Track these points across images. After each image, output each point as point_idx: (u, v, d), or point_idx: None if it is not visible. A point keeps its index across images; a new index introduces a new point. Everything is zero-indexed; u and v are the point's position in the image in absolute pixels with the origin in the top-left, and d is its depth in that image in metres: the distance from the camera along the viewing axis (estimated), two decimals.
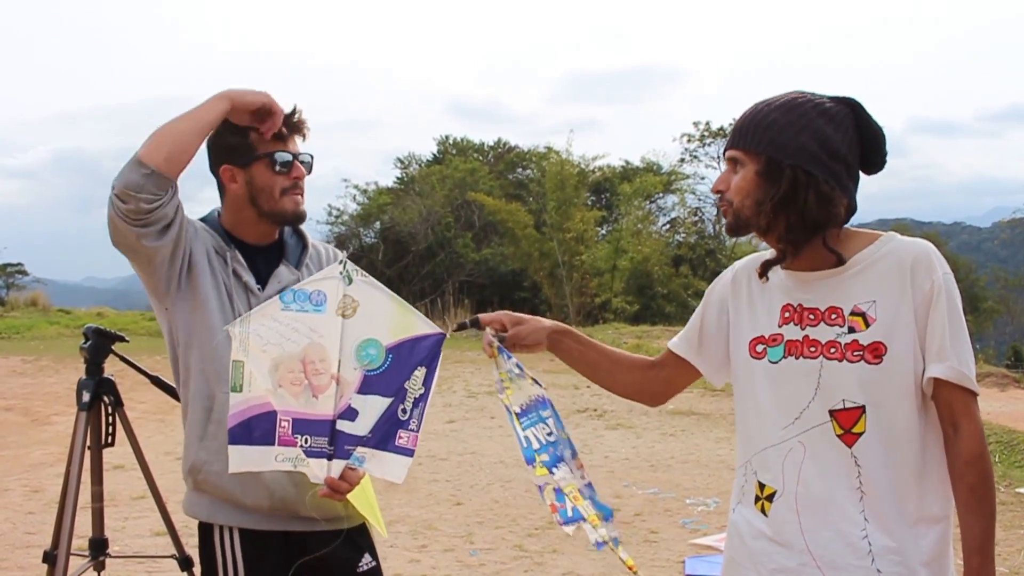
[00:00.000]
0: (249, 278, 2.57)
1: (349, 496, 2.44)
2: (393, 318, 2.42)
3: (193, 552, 3.91)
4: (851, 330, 2.05)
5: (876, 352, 2.02)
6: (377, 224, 39.04)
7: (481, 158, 43.06)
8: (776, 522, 2.13)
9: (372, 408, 2.38)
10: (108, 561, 3.82)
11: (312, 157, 2.65)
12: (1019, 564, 6.26)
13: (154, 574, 5.68)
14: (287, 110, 2.58)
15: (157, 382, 3.70)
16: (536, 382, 2.41)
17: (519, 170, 43.32)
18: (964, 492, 2.02)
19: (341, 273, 2.41)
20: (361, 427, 2.37)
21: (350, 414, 2.37)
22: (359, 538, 2.67)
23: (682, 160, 41.62)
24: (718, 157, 40.92)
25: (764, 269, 2.17)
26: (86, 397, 3.57)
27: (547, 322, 2.48)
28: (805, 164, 2.03)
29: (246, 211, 2.61)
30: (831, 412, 2.06)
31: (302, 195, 2.63)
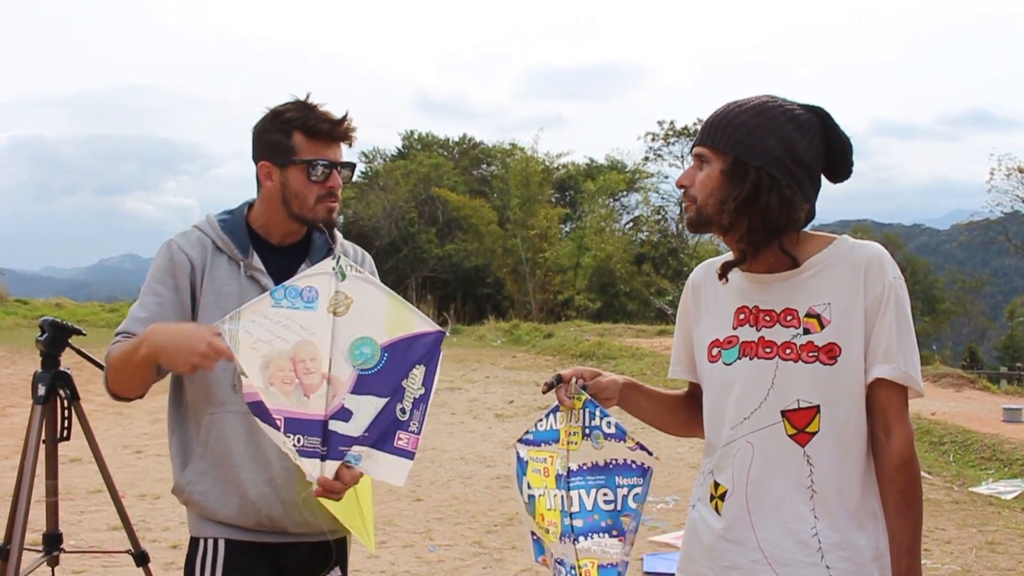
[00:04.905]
0: (268, 281, 2.49)
1: (337, 506, 2.34)
2: (389, 315, 2.31)
3: (148, 547, 3.89)
4: (806, 331, 2.08)
5: (831, 353, 2.05)
6: (340, 218, 38.99)
7: (446, 153, 43.11)
8: (728, 520, 2.16)
9: (367, 408, 2.26)
10: (63, 556, 3.78)
11: (354, 166, 2.57)
12: (971, 562, 6.35)
13: (110, 568, 5.63)
14: (338, 114, 2.49)
15: None
16: (642, 447, 2.33)
17: (484, 166, 43.41)
18: (894, 496, 2.05)
19: (334, 269, 2.30)
20: (355, 428, 2.26)
21: (344, 414, 2.26)
22: (334, 549, 2.58)
23: (646, 158, 42.01)
24: (682, 156, 41.23)
25: (724, 270, 2.18)
26: (42, 390, 3.54)
27: (619, 377, 2.42)
28: (770, 167, 2.05)
29: (277, 208, 2.52)
30: (783, 412, 2.08)
31: (338, 202, 2.56)
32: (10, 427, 10.27)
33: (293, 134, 2.46)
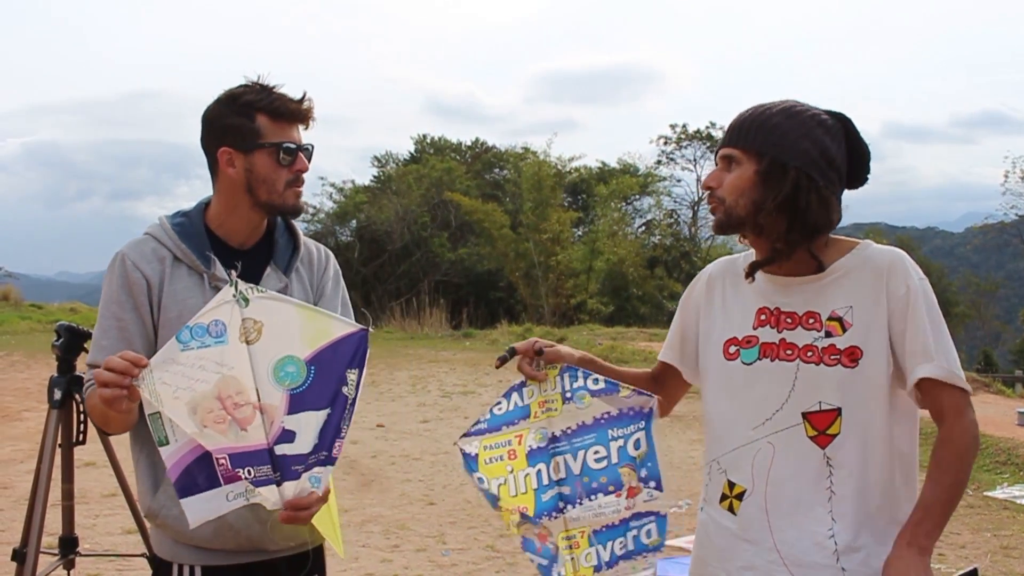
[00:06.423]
0: None
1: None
2: (305, 328, 2.22)
3: None
4: (828, 335, 2.09)
5: (853, 356, 2.06)
6: (353, 223, 39.00)
7: (458, 157, 43.08)
8: (745, 520, 2.16)
9: (309, 424, 2.19)
10: (78, 559, 3.80)
11: (312, 147, 2.44)
12: (986, 566, 6.32)
13: (124, 572, 5.65)
14: (295, 95, 2.40)
15: None
16: (639, 392, 2.30)
17: (496, 170, 43.38)
18: (950, 455, 2.02)
19: (235, 296, 2.18)
20: (303, 445, 2.19)
21: (287, 436, 2.18)
22: (311, 556, 2.53)
23: (658, 162, 41.98)
24: (694, 160, 41.19)
25: (752, 270, 2.18)
26: (57, 395, 3.56)
27: (575, 351, 2.43)
28: (807, 168, 2.06)
29: (239, 198, 2.40)
30: (804, 414, 2.09)
31: (303, 187, 2.45)
32: (26, 431, 10.30)
33: (256, 116, 2.36)
